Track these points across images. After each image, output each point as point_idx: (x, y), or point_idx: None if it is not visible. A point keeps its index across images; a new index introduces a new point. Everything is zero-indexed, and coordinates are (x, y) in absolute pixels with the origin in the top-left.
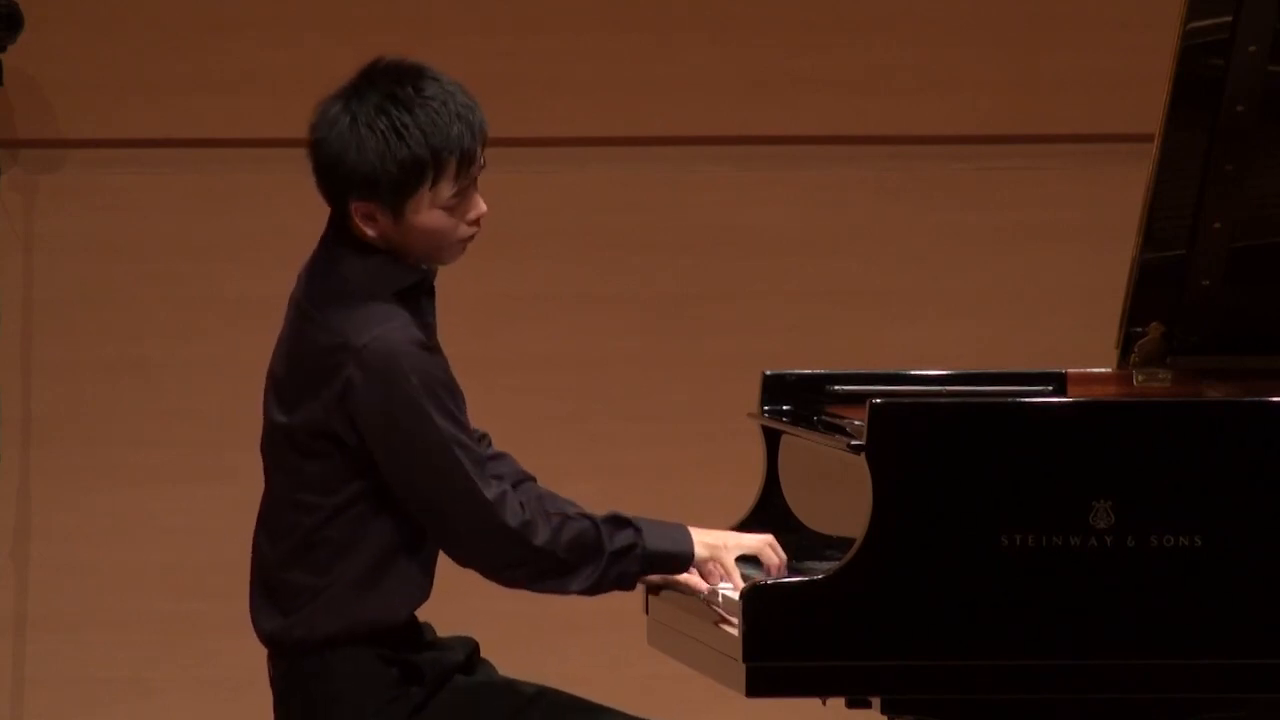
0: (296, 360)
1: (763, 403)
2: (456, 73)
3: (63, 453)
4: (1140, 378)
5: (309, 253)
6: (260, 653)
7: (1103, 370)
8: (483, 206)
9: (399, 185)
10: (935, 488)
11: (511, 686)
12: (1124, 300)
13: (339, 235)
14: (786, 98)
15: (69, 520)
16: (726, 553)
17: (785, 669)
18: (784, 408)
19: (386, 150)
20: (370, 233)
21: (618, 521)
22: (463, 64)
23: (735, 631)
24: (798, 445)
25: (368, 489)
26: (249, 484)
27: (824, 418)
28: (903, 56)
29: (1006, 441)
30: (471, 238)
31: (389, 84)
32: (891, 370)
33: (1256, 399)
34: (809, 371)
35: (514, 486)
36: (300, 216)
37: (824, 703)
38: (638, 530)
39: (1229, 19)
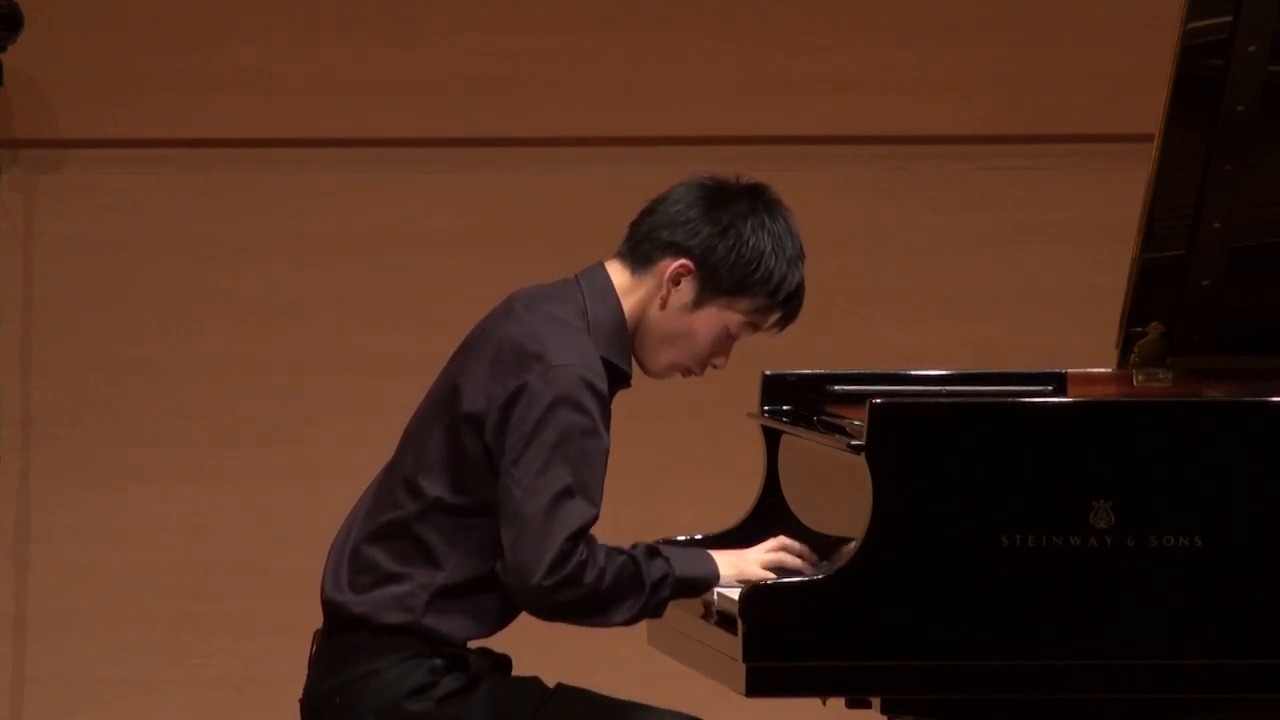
0: (497, 351)
1: (763, 403)
2: (457, 72)
3: (63, 453)
4: (1140, 378)
5: (308, 251)
6: (260, 652)
7: (1103, 370)
8: (725, 361)
9: (731, 277)
10: (935, 488)
11: (537, 683)
12: (1124, 300)
13: (597, 285)
14: (785, 98)
15: (69, 520)
16: (750, 565)
17: (785, 669)
18: (784, 408)
19: (755, 244)
20: (662, 293)
21: (651, 552)
22: (463, 64)
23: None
24: (798, 445)
25: (475, 507)
26: (249, 484)
27: (824, 418)
28: (903, 56)
29: (1006, 441)
30: (690, 374)
31: (779, 209)
32: (891, 370)
33: (1256, 399)
34: (809, 371)
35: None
36: (300, 216)
37: (824, 703)
38: (667, 560)
39: (1229, 19)
